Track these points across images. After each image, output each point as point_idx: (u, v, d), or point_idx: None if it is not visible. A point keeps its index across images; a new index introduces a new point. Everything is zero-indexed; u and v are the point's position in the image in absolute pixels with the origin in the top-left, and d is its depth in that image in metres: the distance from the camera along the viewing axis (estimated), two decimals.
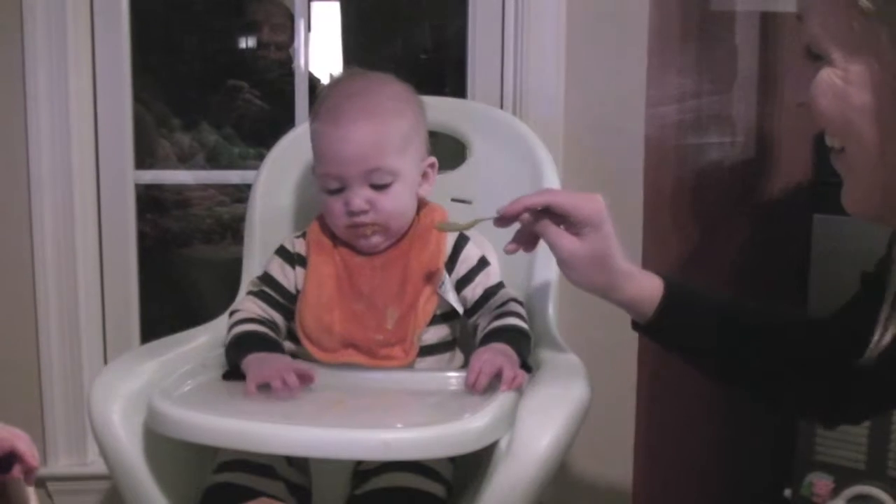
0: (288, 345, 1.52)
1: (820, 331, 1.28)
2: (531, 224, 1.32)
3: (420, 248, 1.50)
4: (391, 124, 1.47)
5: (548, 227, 1.31)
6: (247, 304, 1.53)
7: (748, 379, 1.34)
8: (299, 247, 1.55)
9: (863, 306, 1.14)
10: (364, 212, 1.46)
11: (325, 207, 1.51)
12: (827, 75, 0.94)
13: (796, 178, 1.98)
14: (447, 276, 1.49)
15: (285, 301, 1.53)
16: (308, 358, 1.46)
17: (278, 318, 1.53)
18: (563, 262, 1.32)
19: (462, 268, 1.52)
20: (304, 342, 1.47)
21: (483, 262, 1.53)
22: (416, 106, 1.53)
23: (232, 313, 1.53)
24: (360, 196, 1.45)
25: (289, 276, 1.54)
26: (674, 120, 1.98)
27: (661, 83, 1.97)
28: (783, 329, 1.31)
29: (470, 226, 1.41)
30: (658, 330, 1.34)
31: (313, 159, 1.52)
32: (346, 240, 1.51)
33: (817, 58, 0.95)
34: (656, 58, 1.96)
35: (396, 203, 1.48)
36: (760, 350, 1.30)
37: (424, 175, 1.53)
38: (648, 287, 1.32)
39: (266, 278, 1.55)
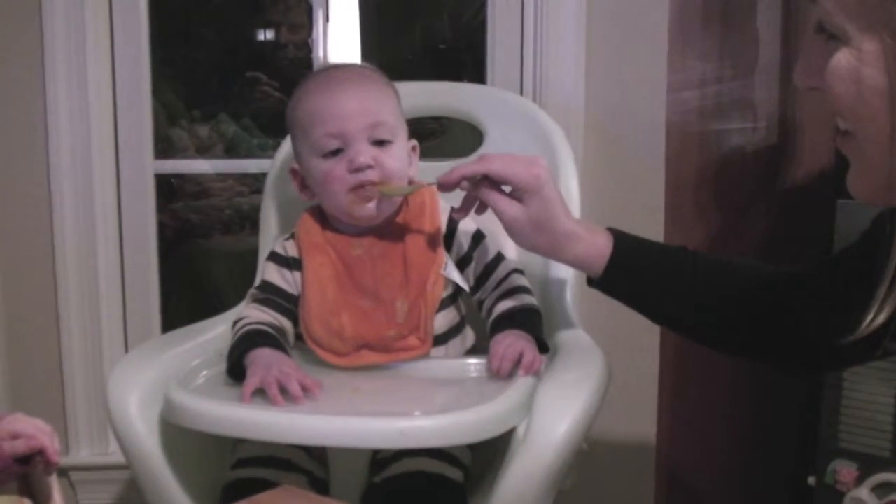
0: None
1: (775, 282, 1.30)
2: (474, 190, 1.36)
3: (416, 232, 1.47)
4: (385, 90, 1.48)
5: (489, 193, 1.34)
6: (252, 312, 1.46)
7: (700, 329, 1.37)
8: (291, 250, 1.51)
9: (830, 274, 1.22)
10: (370, 167, 1.41)
11: (321, 177, 1.44)
12: (844, 58, 0.91)
13: (819, 163, 1.96)
14: (448, 256, 1.47)
15: (292, 306, 1.48)
16: (320, 362, 1.42)
17: (287, 323, 1.47)
18: (506, 227, 1.36)
19: (460, 247, 1.50)
20: (315, 349, 1.43)
21: (478, 237, 1.50)
22: (396, 91, 1.52)
23: (236, 321, 1.46)
24: (365, 152, 1.41)
25: (289, 281, 1.49)
26: (695, 105, 1.97)
27: (682, 68, 1.95)
28: (738, 280, 1.33)
29: (412, 190, 1.46)
30: (609, 286, 1.37)
31: (297, 139, 1.48)
32: (345, 212, 1.44)
33: (831, 37, 0.92)
34: (677, 43, 1.94)
35: (399, 163, 1.44)
36: (711, 300, 1.32)
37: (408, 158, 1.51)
38: (596, 245, 1.34)
39: (268, 286, 1.49)
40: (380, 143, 1.43)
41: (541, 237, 1.34)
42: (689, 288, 1.33)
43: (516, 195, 1.33)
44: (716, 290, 1.32)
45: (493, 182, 1.34)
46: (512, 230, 1.35)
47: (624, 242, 1.35)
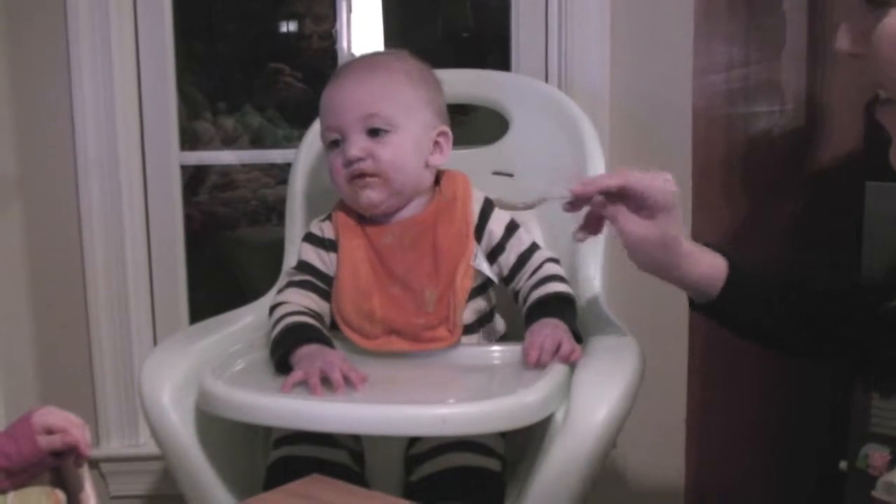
0: None
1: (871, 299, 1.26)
2: (601, 207, 1.26)
3: (447, 222, 1.47)
4: (394, 79, 1.47)
5: (619, 211, 1.25)
6: (292, 296, 1.47)
7: (812, 352, 1.32)
8: (328, 231, 1.52)
9: None
10: (361, 159, 1.43)
11: (329, 167, 1.49)
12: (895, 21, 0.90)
13: (848, 145, 1.94)
14: (478, 246, 1.47)
15: (328, 287, 1.49)
16: (349, 344, 1.43)
17: (325, 307, 1.48)
18: (631, 246, 1.27)
19: (492, 237, 1.49)
20: (345, 330, 1.44)
21: (512, 227, 1.50)
22: (428, 77, 1.52)
23: (276, 306, 1.47)
24: (357, 145, 1.43)
25: (325, 261, 1.50)
26: (722, 89, 1.95)
27: (708, 52, 1.94)
28: (845, 301, 1.28)
29: (530, 206, 1.42)
30: (719, 310, 1.31)
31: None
32: (349, 200, 1.48)
33: (879, 5, 0.91)
34: (703, 26, 1.92)
35: (396, 154, 1.44)
36: (823, 326, 1.28)
37: (437, 144, 1.50)
38: (711, 267, 1.28)
39: (305, 266, 1.51)
40: (375, 133, 1.44)
41: (664, 256, 1.26)
42: (797, 309, 1.29)
43: (644, 213, 1.24)
44: (820, 314, 1.28)
45: (619, 196, 1.25)
46: (636, 249, 1.27)
47: (738, 267, 1.29)
